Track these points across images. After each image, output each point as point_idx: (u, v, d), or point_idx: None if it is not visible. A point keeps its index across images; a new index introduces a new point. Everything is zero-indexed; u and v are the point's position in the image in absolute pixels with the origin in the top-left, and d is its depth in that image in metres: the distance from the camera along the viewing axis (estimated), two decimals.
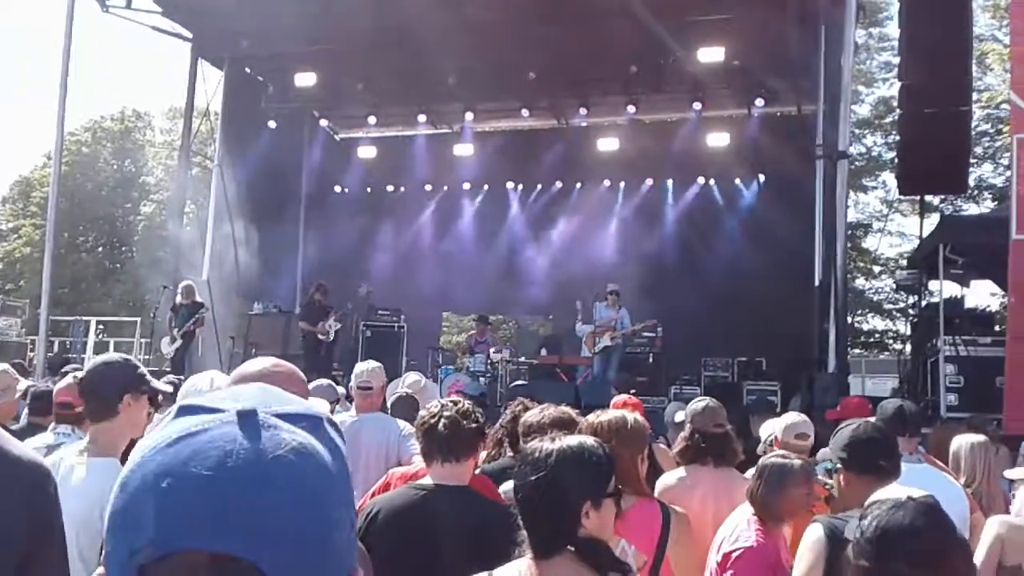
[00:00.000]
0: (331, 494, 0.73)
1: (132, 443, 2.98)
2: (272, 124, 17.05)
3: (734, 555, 3.31)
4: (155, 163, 35.01)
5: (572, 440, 2.26)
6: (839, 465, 3.05)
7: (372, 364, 5.42)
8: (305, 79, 16.09)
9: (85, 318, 19.51)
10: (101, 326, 19.69)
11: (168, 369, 11.28)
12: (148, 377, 3.11)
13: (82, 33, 13.65)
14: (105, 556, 0.73)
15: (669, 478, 4.17)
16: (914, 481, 3.03)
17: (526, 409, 4.09)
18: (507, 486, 3.53)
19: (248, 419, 0.73)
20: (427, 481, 3.09)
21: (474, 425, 3.10)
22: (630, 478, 3.04)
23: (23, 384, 4.81)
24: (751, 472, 3.66)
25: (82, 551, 2.54)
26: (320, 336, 13.22)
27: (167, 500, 0.69)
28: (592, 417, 3.36)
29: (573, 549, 2.11)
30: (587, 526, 2.14)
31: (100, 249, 33.71)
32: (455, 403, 3.16)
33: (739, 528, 3.42)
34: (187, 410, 0.76)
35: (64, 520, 2.54)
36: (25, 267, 30.95)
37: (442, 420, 3.06)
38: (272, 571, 0.68)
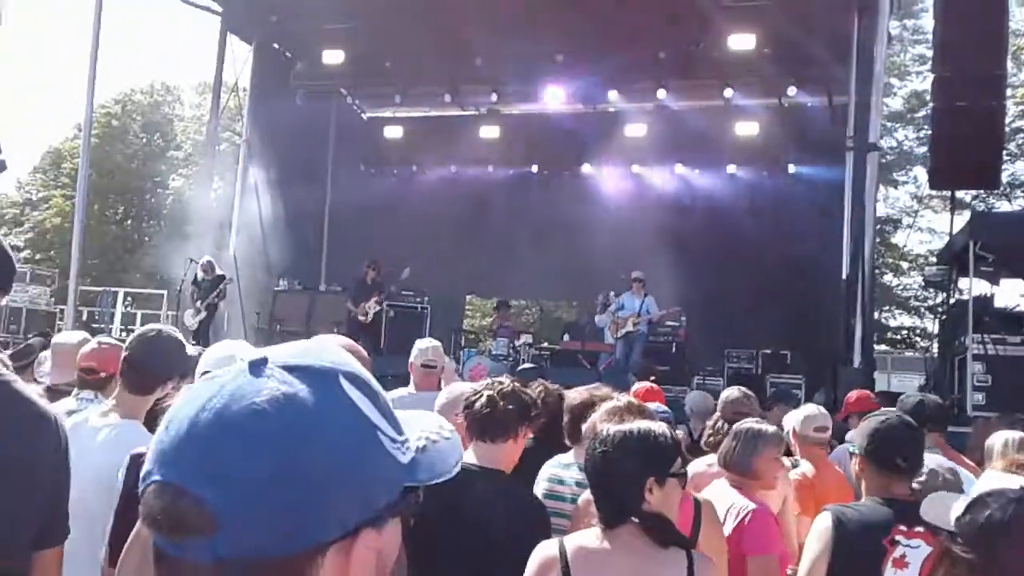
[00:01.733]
0: (306, 445, 0.73)
1: (155, 405, 3.01)
2: (299, 101, 17.09)
3: (746, 520, 3.33)
4: (184, 137, 35.23)
5: (640, 423, 2.47)
6: (860, 452, 3.02)
7: (435, 342, 5.32)
8: (333, 56, 16.09)
9: (113, 289, 19.72)
10: (129, 298, 19.87)
11: (193, 341, 11.37)
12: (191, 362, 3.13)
13: (113, 5, 13.72)
14: None
15: (698, 465, 4.18)
16: None
17: (546, 391, 4.08)
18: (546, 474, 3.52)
19: (253, 368, 0.77)
20: (465, 459, 3.09)
21: (511, 407, 3.04)
22: None
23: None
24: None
25: (104, 507, 2.59)
26: (360, 317, 13.23)
27: (160, 436, 0.77)
28: (616, 400, 3.35)
29: (637, 521, 2.29)
30: (651, 501, 2.31)
31: (129, 222, 34.03)
32: (500, 383, 3.14)
33: (729, 503, 3.43)
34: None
35: (88, 477, 2.61)
36: (55, 237, 31.27)
37: (481, 399, 3.05)
38: (219, 507, 0.70)
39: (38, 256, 31.18)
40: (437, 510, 2.90)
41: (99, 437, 2.82)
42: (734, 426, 3.75)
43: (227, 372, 0.77)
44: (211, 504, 0.70)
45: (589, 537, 2.37)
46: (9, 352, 5.58)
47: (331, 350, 0.83)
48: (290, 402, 0.74)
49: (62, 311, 14.96)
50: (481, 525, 2.83)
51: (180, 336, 3.14)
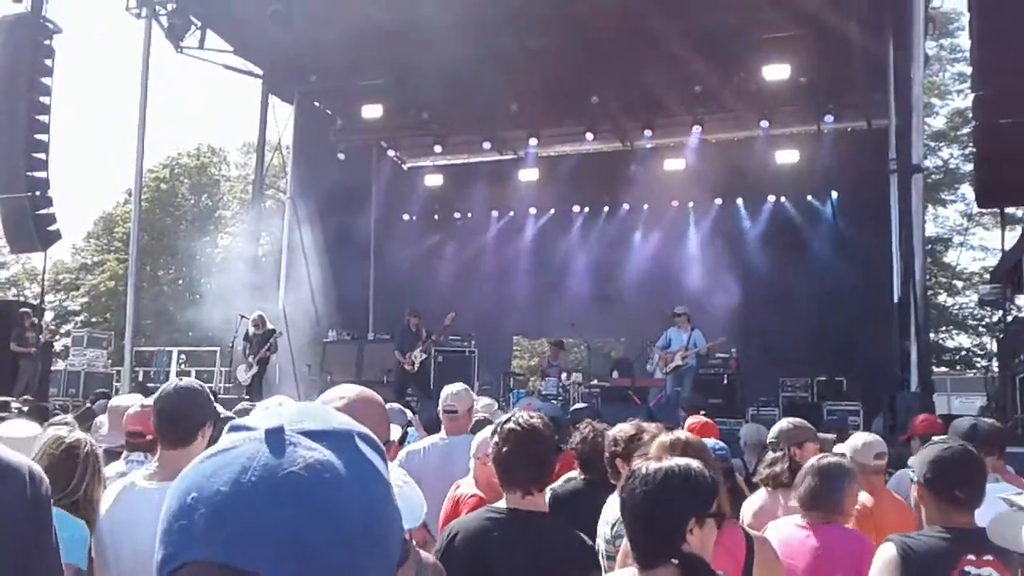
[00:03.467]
0: (344, 508, 0.74)
1: None
2: (341, 156, 17.46)
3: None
4: (231, 197, 36.00)
5: (680, 461, 2.37)
6: (919, 480, 2.95)
7: (458, 387, 5.32)
8: (372, 111, 16.43)
9: (167, 348, 20.09)
10: (183, 356, 20.25)
11: (246, 396, 11.54)
12: (217, 404, 3.15)
13: (158, 74, 14.18)
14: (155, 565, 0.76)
15: (754, 501, 4.10)
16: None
17: (595, 431, 4.05)
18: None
19: (273, 437, 0.75)
20: (502, 505, 3.06)
21: (543, 450, 3.03)
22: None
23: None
24: None
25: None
26: (406, 367, 13.28)
27: (185, 513, 0.72)
28: (669, 435, 3.31)
29: (676, 563, 2.20)
30: (691, 543, 2.22)
31: (180, 281, 34.71)
32: (522, 426, 3.06)
33: (819, 539, 3.35)
34: (233, 428, 0.79)
35: (141, 543, 2.61)
36: (110, 300, 32.03)
37: (510, 446, 3.02)
38: None
39: (94, 319, 31.95)
40: (474, 555, 2.91)
41: (149, 500, 2.78)
42: (811, 462, 3.64)
43: (243, 443, 0.75)
44: None
45: None
46: (71, 415, 5.72)
47: (327, 409, 0.84)
48: (325, 468, 0.74)
49: (119, 372, 15.29)
50: (533, 569, 2.81)
51: (204, 386, 3.13)
